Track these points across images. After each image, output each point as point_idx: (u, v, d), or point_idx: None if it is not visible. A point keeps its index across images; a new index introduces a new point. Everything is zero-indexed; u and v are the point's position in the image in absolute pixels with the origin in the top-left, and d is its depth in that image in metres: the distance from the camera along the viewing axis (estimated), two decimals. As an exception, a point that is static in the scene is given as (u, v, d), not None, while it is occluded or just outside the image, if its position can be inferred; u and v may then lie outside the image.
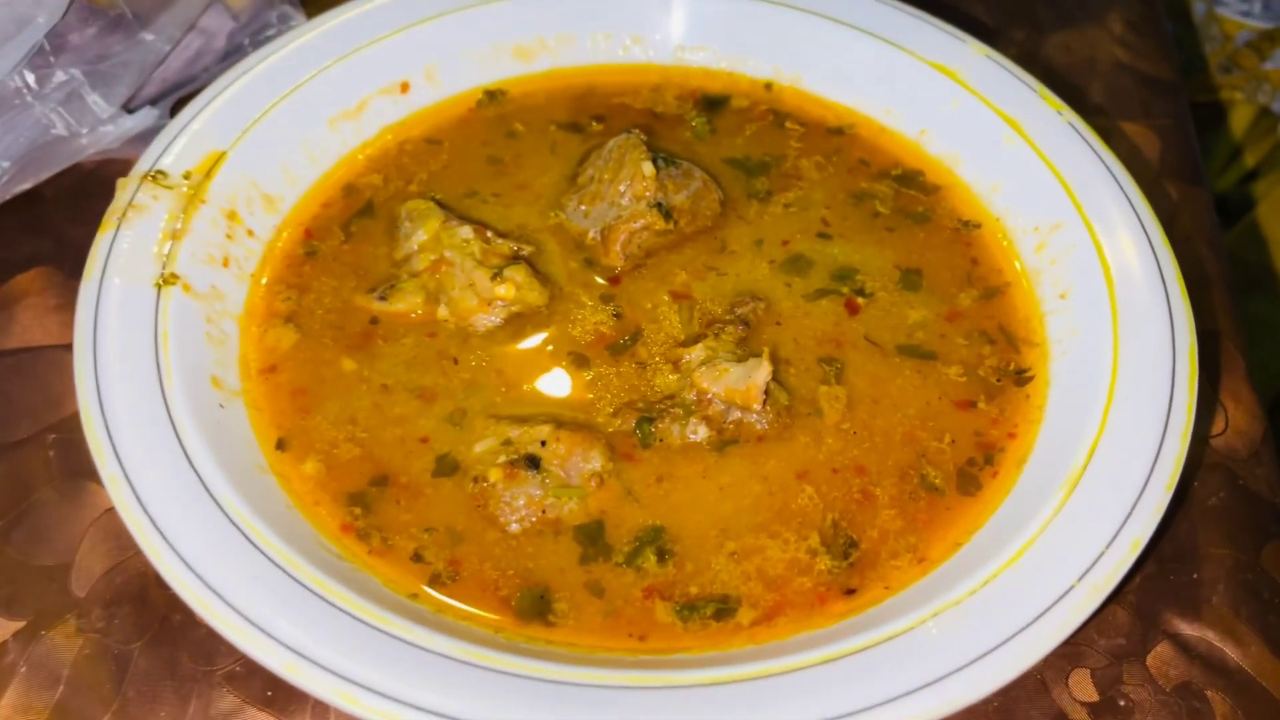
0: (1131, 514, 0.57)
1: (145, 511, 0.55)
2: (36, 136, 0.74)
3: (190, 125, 0.73)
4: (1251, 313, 1.16)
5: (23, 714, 0.59)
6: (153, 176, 0.70)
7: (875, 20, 0.84)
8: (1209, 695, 0.62)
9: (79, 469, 0.69)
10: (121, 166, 0.85)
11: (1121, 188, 0.73)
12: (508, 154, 0.81)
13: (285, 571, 0.54)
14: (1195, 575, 0.66)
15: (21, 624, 0.63)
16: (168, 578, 0.53)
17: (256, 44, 0.92)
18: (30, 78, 0.74)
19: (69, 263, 0.79)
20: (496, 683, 0.51)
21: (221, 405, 0.63)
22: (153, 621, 0.62)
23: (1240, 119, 1.36)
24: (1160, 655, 0.63)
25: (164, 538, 0.54)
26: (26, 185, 0.80)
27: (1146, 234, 0.70)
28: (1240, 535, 0.68)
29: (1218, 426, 0.73)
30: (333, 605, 0.53)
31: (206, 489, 0.57)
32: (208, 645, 0.62)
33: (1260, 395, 0.75)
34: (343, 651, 0.51)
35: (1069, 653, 0.63)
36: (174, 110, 0.86)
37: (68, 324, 0.76)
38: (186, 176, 0.71)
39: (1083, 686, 0.62)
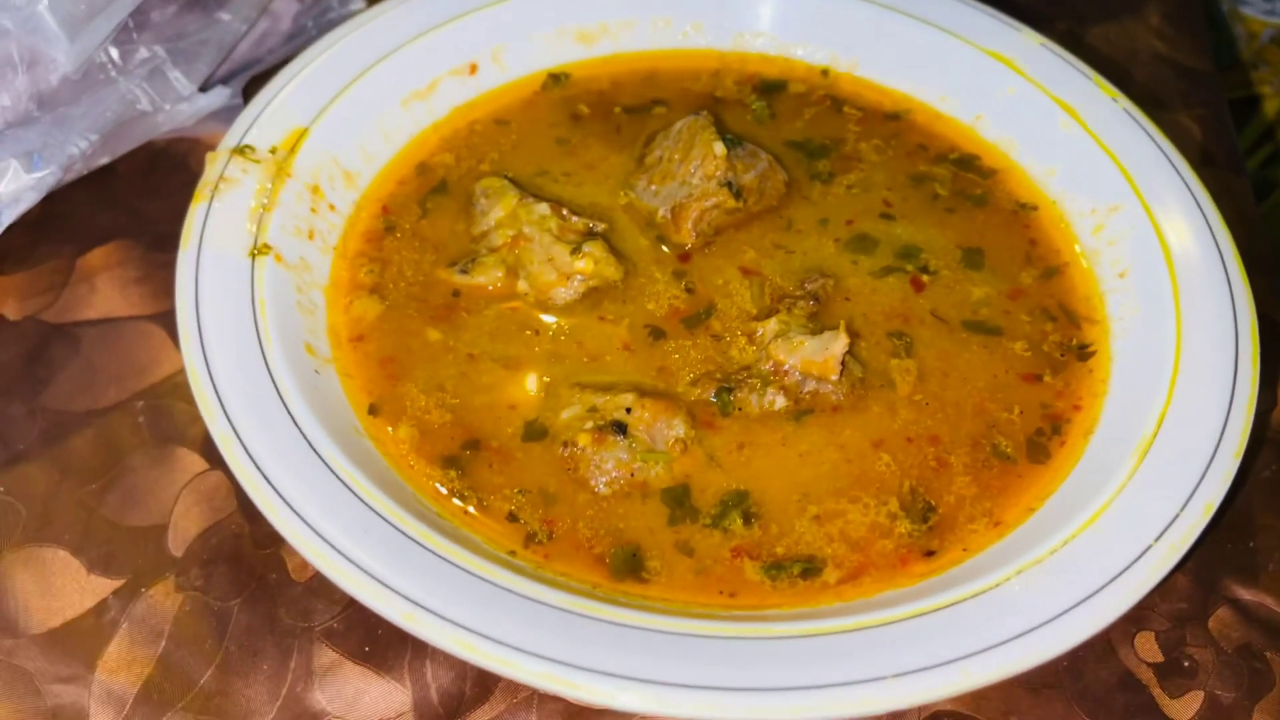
0: (1203, 479, 0.59)
1: (259, 468, 0.57)
2: (122, 111, 0.75)
3: (273, 102, 0.75)
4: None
5: (127, 667, 0.61)
6: (241, 151, 0.72)
7: (931, 8, 0.87)
8: (1269, 656, 0.64)
9: (169, 434, 0.70)
10: (191, 144, 0.87)
11: (1178, 171, 0.75)
12: (574, 135, 0.83)
13: (395, 526, 0.56)
14: (1252, 544, 0.69)
15: (120, 582, 0.64)
16: (285, 533, 0.55)
17: (320, 26, 0.93)
18: (115, 53, 0.76)
19: (146, 236, 0.81)
20: (604, 631, 0.53)
21: (316, 371, 0.65)
22: (250, 580, 0.64)
23: (1270, 111, 1.40)
24: (1221, 619, 0.66)
25: (279, 494, 0.56)
26: (105, 160, 0.81)
27: (1204, 215, 0.72)
28: (1292, 507, 0.71)
29: (1267, 403, 0.76)
30: (442, 558, 0.55)
31: (313, 448, 0.59)
32: (304, 603, 0.64)
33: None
34: (457, 601, 0.53)
35: (1133, 616, 0.65)
36: (246, 90, 0.88)
37: (149, 295, 0.78)
38: (273, 151, 0.73)
39: (1148, 648, 0.64)
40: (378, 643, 0.62)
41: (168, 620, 0.63)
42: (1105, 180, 0.77)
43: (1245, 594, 0.67)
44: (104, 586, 0.64)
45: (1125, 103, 0.80)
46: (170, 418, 0.71)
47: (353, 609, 0.63)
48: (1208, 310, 0.68)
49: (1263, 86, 1.44)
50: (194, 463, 0.69)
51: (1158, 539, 0.57)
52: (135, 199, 0.84)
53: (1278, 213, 1.42)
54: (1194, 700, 0.63)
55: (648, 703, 0.50)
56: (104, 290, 0.78)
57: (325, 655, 0.62)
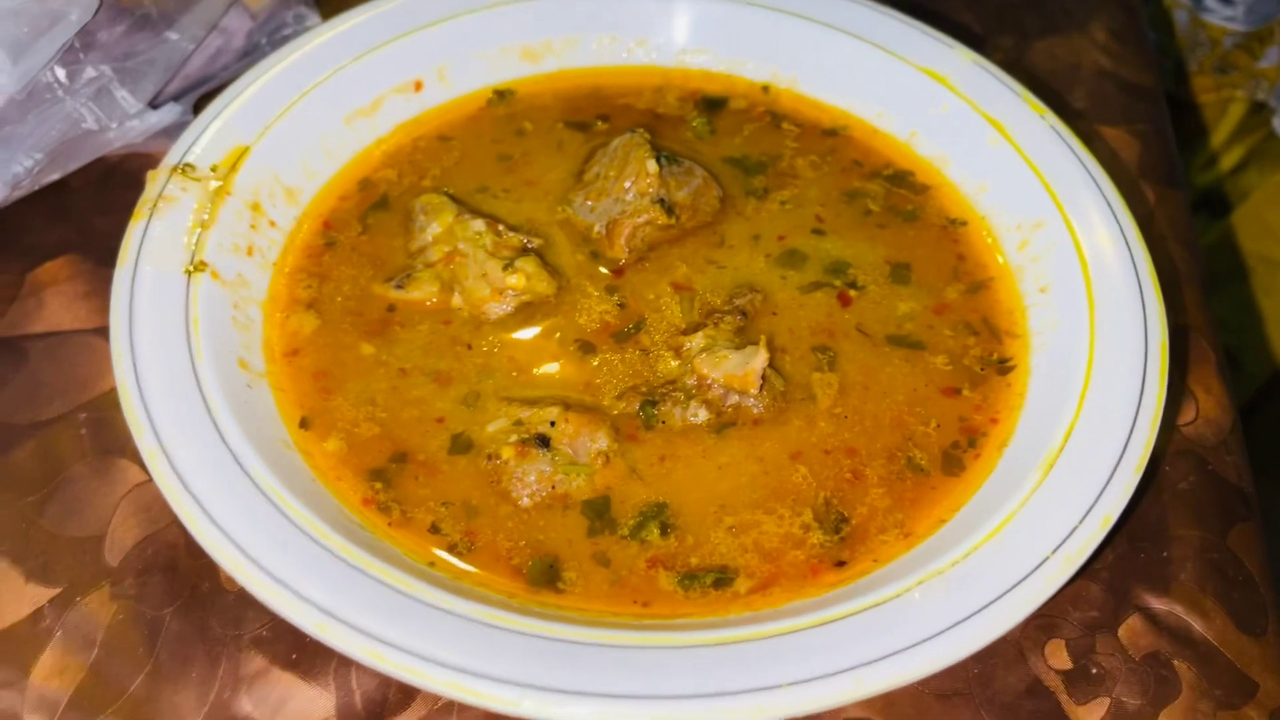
0: (1103, 493, 0.61)
1: (182, 483, 0.59)
2: (67, 129, 0.77)
3: (215, 121, 0.77)
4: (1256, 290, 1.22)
5: (59, 675, 0.63)
6: (182, 169, 0.74)
7: (869, 27, 0.88)
8: (1175, 664, 0.66)
9: (110, 446, 0.72)
10: (144, 160, 0.89)
11: (1100, 188, 0.77)
12: (517, 151, 0.85)
13: (313, 539, 0.58)
14: (1165, 554, 0.71)
15: (57, 590, 0.66)
16: (205, 545, 0.57)
17: (274, 43, 0.95)
18: (61, 73, 0.78)
19: (96, 250, 0.83)
20: (513, 642, 0.55)
21: (249, 386, 0.67)
22: (183, 589, 0.66)
23: (1234, 114, 1.42)
24: (1131, 627, 0.68)
25: (201, 507, 0.58)
26: (55, 176, 0.83)
27: (1123, 232, 0.74)
28: (1208, 518, 0.72)
29: (1188, 416, 0.77)
30: (359, 570, 0.57)
31: (238, 462, 0.61)
32: (235, 611, 0.65)
33: (1250, 374, 0.79)
34: (370, 612, 0.55)
35: (1044, 624, 0.67)
36: (196, 107, 0.90)
37: (95, 310, 0.79)
38: (213, 169, 0.75)
39: (1057, 655, 0.66)
40: (305, 650, 0.64)
41: (101, 628, 0.65)
42: (1031, 196, 0.79)
43: (1156, 603, 0.69)
44: (40, 595, 0.66)
45: (1052, 119, 0.81)
46: (112, 429, 0.73)
47: (281, 618, 0.65)
48: (1121, 326, 0.70)
49: (1234, 90, 1.46)
50: (134, 474, 0.71)
51: (1054, 551, 0.59)
52: (87, 214, 0.85)
53: (1250, 218, 1.44)
54: (1099, 707, 0.64)
55: (545, 708, 0.52)
56: (52, 304, 0.80)
57: (254, 662, 0.63)
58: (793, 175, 0.85)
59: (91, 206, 0.86)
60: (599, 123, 0.88)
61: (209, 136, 0.76)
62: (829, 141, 0.87)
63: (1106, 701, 0.65)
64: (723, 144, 0.87)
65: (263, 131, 0.78)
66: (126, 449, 0.72)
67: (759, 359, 0.68)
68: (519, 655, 0.54)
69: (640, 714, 0.52)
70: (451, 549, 0.63)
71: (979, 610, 0.56)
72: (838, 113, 0.89)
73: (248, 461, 0.61)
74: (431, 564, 0.62)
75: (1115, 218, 0.75)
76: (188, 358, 0.65)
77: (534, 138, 0.86)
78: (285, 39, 0.95)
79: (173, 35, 0.82)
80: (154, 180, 0.73)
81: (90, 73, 0.78)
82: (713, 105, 0.90)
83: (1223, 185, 1.48)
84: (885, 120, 0.88)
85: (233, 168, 0.75)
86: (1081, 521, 0.60)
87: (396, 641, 0.53)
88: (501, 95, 0.89)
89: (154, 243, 0.70)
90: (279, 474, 0.61)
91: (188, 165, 0.74)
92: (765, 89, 0.91)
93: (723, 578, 0.63)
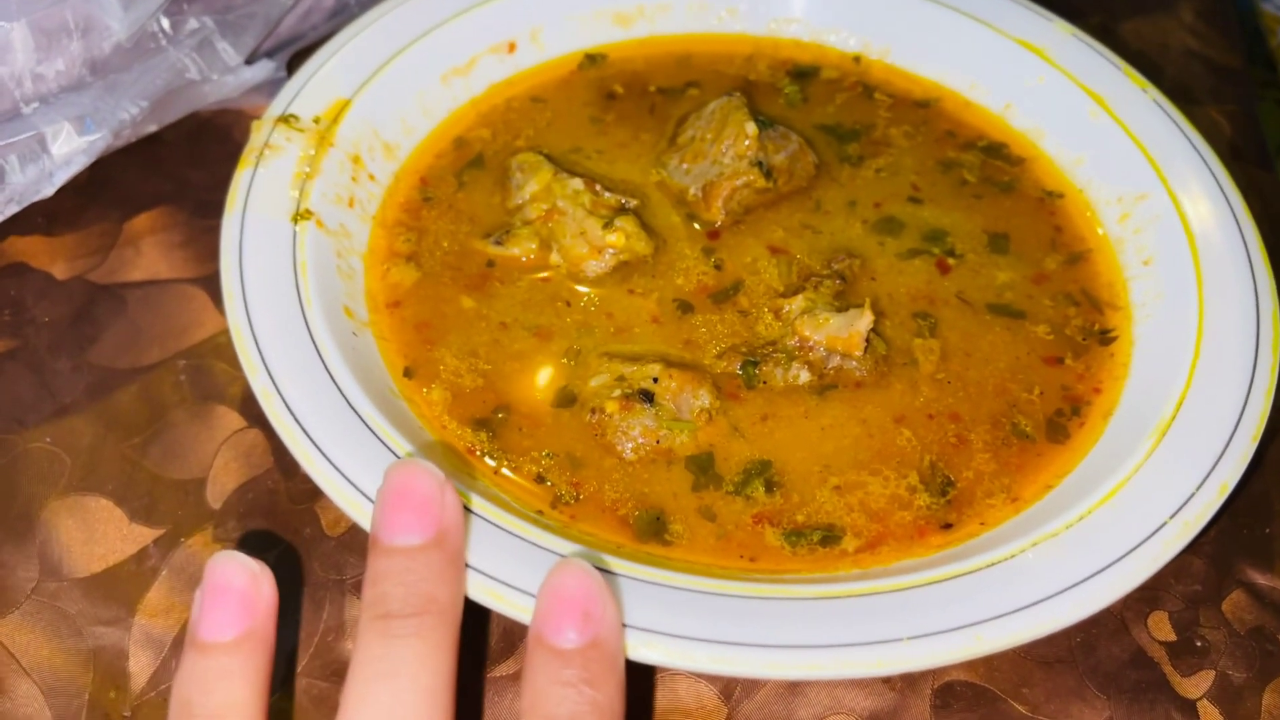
0: (1220, 460, 0.61)
1: (299, 423, 0.59)
2: (171, 80, 0.78)
3: (317, 74, 0.77)
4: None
5: (165, 613, 0.64)
6: (286, 119, 0.74)
7: (963, -2, 0.88)
8: (1281, 639, 0.65)
9: (209, 392, 0.73)
10: (236, 116, 0.89)
11: (1205, 162, 0.76)
12: (608, 114, 0.85)
13: (428, 482, 0.58)
14: (1268, 530, 0.70)
15: (161, 531, 0.67)
16: (323, 485, 0.57)
17: (362, 3, 0.95)
18: (166, 23, 0.78)
19: (190, 202, 0.83)
20: (629, 586, 0.55)
21: (354, 334, 0.67)
22: (285, 534, 0.66)
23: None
24: (1235, 602, 0.67)
25: (318, 448, 0.58)
26: (152, 128, 0.83)
27: (1230, 205, 0.73)
28: (1310, 495, 0.72)
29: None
30: (474, 514, 0.57)
31: (351, 405, 0.61)
32: (337, 556, 0.66)
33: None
34: (488, 554, 0.55)
35: (1147, 596, 0.66)
36: (290, 64, 0.90)
37: (190, 259, 0.80)
38: (316, 121, 0.75)
39: (1161, 627, 0.65)
40: (407, 597, 0.64)
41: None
42: (1132, 169, 0.78)
43: (1260, 578, 0.68)
44: (145, 535, 0.66)
45: (1155, 94, 0.81)
46: (210, 376, 0.73)
47: (384, 564, 0.65)
48: (1230, 298, 0.69)
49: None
50: (233, 420, 0.71)
51: (1173, 516, 0.58)
52: (180, 167, 0.86)
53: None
54: (1205, 679, 0.64)
55: (669, 656, 0.52)
56: (149, 253, 0.80)
57: (356, 607, 0.64)
58: (886, 144, 0.84)
59: (185, 159, 0.86)
60: (690, 89, 0.87)
61: (311, 89, 0.77)
62: (921, 112, 0.87)
63: (1212, 674, 0.64)
64: (815, 112, 0.86)
65: (362, 86, 0.78)
66: (225, 395, 0.73)
67: (864, 321, 0.68)
68: (636, 601, 0.54)
69: (764, 662, 0.51)
70: (558, 499, 0.63)
71: (1097, 572, 0.56)
72: (930, 84, 0.89)
73: (360, 405, 0.61)
74: (540, 512, 0.62)
75: (1222, 190, 0.74)
76: (297, 303, 0.65)
77: (625, 101, 0.86)
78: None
79: (272, -10, 0.83)
80: (259, 129, 0.73)
81: (193, 24, 0.79)
82: (804, 74, 0.89)
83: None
84: (978, 92, 0.87)
85: (335, 120, 0.76)
86: (1199, 488, 0.59)
87: (517, 583, 0.53)
88: (593, 59, 0.89)
89: (260, 190, 0.70)
90: (390, 419, 0.61)
91: (292, 115, 0.74)
92: (856, 59, 0.90)
93: (830, 535, 0.62)
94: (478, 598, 0.53)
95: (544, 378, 0.69)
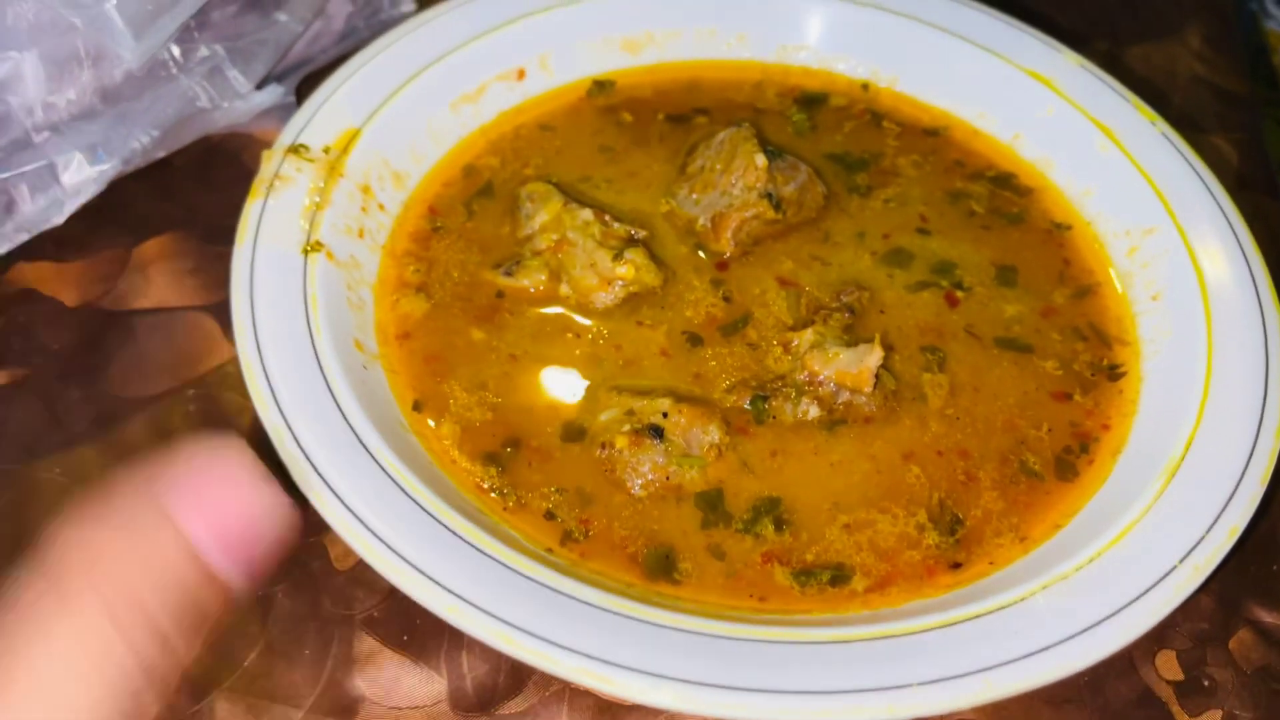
0: (1229, 503, 0.61)
1: (308, 459, 0.59)
2: (182, 108, 0.78)
3: (327, 103, 0.77)
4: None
5: (174, 647, 0.63)
6: (295, 149, 0.74)
7: (972, 26, 0.88)
8: (1289, 679, 0.65)
9: (218, 423, 0.72)
10: (245, 140, 0.89)
11: (1214, 196, 0.76)
12: (617, 142, 0.85)
13: (438, 520, 0.58)
14: (1276, 567, 0.70)
15: (170, 564, 0.66)
16: (331, 522, 0.57)
17: (370, 27, 0.96)
18: (176, 51, 0.78)
19: (200, 228, 0.83)
20: (639, 630, 0.55)
21: (364, 367, 0.67)
22: (294, 567, 0.66)
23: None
24: (1241, 640, 0.67)
25: (327, 484, 0.58)
26: (161, 154, 0.84)
27: (1239, 240, 0.73)
28: (1317, 532, 0.72)
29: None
30: (484, 553, 0.57)
31: (360, 441, 0.61)
32: (346, 590, 0.66)
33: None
34: (498, 595, 0.55)
35: (1155, 634, 0.66)
36: (299, 89, 0.90)
37: (200, 287, 0.80)
38: (326, 150, 0.75)
39: (1168, 666, 0.65)
40: (416, 632, 0.64)
41: (214, 603, 0.65)
42: (1141, 203, 0.78)
43: (1267, 617, 0.68)
44: (154, 568, 0.66)
45: (1163, 126, 0.81)
46: (219, 406, 0.73)
47: (393, 598, 0.65)
48: (1239, 335, 0.69)
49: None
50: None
51: (1182, 560, 0.58)
52: (190, 192, 0.86)
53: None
54: (1212, 719, 0.64)
55: (680, 701, 0.52)
56: (158, 280, 0.80)
57: (365, 643, 0.64)
58: (895, 173, 0.84)
59: (194, 184, 0.86)
60: (698, 117, 0.87)
61: (320, 118, 0.77)
62: (930, 141, 0.87)
63: (1219, 714, 0.64)
64: (823, 140, 0.87)
65: (372, 115, 0.78)
66: (235, 426, 0.72)
67: (874, 357, 0.68)
68: (647, 644, 0.54)
69: (776, 709, 0.51)
70: (567, 536, 0.63)
71: (1108, 617, 0.56)
72: (938, 113, 0.89)
73: (370, 440, 0.61)
74: (549, 550, 0.62)
75: (1230, 226, 0.74)
76: (307, 336, 0.65)
77: (634, 129, 0.86)
78: (382, 23, 0.95)
79: (282, 17, 0.83)
80: (269, 160, 0.73)
81: (204, 51, 0.79)
82: (812, 101, 0.89)
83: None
84: (987, 122, 0.87)
85: (344, 149, 0.76)
86: (1209, 531, 0.59)
87: (527, 626, 0.53)
88: (601, 86, 0.89)
89: (271, 221, 0.70)
90: (399, 454, 0.61)
91: (301, 145, 0.74)
92: (865, 87, 0.90)
93: (839, 575, 0.62)
94: (485, 639, 0.53)
95: (554, 411, 0.69)
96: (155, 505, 0.42)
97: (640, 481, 0.65)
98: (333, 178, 0.74)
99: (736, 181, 0.78)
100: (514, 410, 0.68)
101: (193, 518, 0.42)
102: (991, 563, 0.63)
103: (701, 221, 0.79)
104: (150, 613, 0.40)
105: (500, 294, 0.74)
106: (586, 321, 0.73)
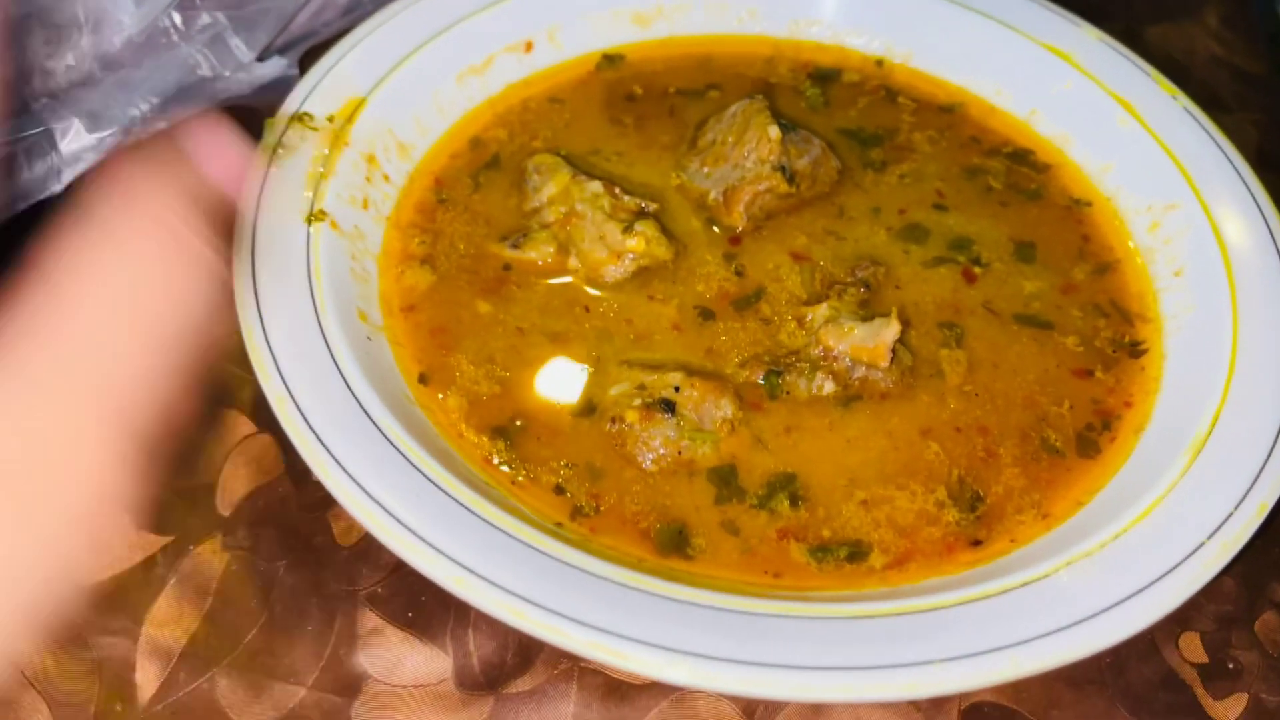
0: (1258, 479, 0.59)
1: (312, 430, 0.57)
2: (183, 76, 0.76)
3: (332, 72, 0.76)
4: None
5: (174, 622, 0.62)
6: (300, 118, 0.72)
7: (987, 1, 0.86)
8: (1315, 662, 0.64)
9: (219, 397, 0.71)
10: (246, 113, 0.87)
11: (1237, 171, 0.75)
12: (627, 116, 0.83)
13: (446, 492, 0.56)
14: (1300, 549, 0.68)
15: (169, 539, 0.65)
16: (336, 494, 0.56)
17: (376, 1, 0.94)
18: (177, 18, 0.76)
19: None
20: (652, 604, 0.53)
21: (369, 338, 0.66)
22: (295, 542, 0.65)
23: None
24: (1266, 623, 0.65)
25: (332, 455, 0.56)
26: (162, 124, 0.82)
27: (1263, 215, 0.72)
28: (1342, 513, 0.70)
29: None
30: (493, 525, 0.55)
31: (365, 412, 0.59)
32: (349, 566, 0.64)
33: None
34: (507, 568, 0.53)
35: (1178, 616, 0.64)
36: (302, 61, 0.88)
37: (201, 260, 0.78)
38: (330, 119, 0.73)
39: (1192, 648, 0.64)
40: (421, 609, 0.62)
41: (214, 578, 0.63)
42: (1163, 178, 0.76)
43: (1292, 599, 0.66)
44: (153, 543, 0.65)
45: (1185, 101, 0.79)
46: (220, 380, 0.72)
47: (397, 574, 0.63)
48: (1264, 310, 0.67)
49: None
50: (243, 425, 0.70)
51: (1210, 537, 0.57)
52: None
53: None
54: (1238, 702, 0.62)
55: (695, 677, 0.50)
56: (158, 253, 0.78)
57: (369, 619, 0.62)
58: (910, 149, 0.83)
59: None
60: (710, 91, 0.86)
61: (325, 87, 0.75)
62: (946, 118, 0.85)
63: (1245, 697, 0.62)
64: (837, 116, 0.85)
65: (377, 84, 0.77)
66: (235, 399, 0.71)
67: (890, 331, 0.66)
68: (660, 618, 0.52)
69: (795, 684, 0.50)
70: (577, 511, 0.61)
71: (1135, 593, 0.54)
72: (954, 89, 0.87)
73: (375, 411, 0.59)
74: (559, 525, 0.60)
75: (1255, 201, 0.73)
76: (311, 307, 0.64)
77: (644, 103, 0.85)
78: (385, -4, 0.93)
79: (285, -15, 0.81)
80: (272, 128, 0.72)
81: (205, 19, 0.77)
82: (825, 77, 0.88)
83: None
84: (1003, 98, 0.86)
85: (349, 119, 0.74)
86: (1237, 508, 0.58)
87: (537, 599, 0.52)
88: (611, 60, 0.87)
89: (274, 190, 0.69)
90: (406, 426, 0.60)
91: (306, 114, 0.73)
92: (879, 63, 0.89)
93: (857, 551, 0.61)
94: (494, 612, 0.52)
95: (563, 385, 0.67)
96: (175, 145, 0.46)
97: (652, 456, 0.63)
98: (337, 147, 0.72)
99: (749, 154, 0.76)
100: (522, 384, 0.67)
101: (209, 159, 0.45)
102: (1013, 540, 0.62)
103: (713, 195, 0.77)
104: (198, 222, 0.44)
105: (507, 267, 0.73)
106: (596, 293, 0.71)
